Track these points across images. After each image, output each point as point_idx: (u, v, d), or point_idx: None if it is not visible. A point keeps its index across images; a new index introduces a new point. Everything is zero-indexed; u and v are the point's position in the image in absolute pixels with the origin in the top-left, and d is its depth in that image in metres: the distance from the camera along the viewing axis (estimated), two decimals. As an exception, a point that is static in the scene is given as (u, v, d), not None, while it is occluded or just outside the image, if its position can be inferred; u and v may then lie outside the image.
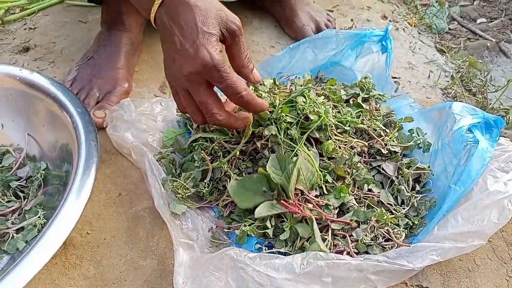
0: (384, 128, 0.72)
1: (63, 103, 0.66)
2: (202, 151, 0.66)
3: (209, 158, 0.67)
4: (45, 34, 1.04)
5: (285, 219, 0.60)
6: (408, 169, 0.67)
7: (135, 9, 0.91)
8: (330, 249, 0.59)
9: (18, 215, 0.64)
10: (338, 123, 0.68)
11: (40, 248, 0.50)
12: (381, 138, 0.70)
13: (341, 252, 0.58)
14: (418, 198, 0.64)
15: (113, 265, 0.61)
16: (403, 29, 1.14)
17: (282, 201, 0.59)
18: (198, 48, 0.54)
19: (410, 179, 0.66)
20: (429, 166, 0.67)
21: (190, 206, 0.65)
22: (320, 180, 0.63)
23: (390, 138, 0.70)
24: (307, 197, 0.62)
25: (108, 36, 0.88)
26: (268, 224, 0.59)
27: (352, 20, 1.12)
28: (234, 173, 0.65)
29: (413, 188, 0.66)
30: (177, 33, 0.56)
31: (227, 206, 0.65)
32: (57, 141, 0.67)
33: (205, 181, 0.67)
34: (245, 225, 0.60)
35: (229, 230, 0.63)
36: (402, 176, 0.66)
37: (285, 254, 0.59)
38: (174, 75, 0.58)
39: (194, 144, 0.71)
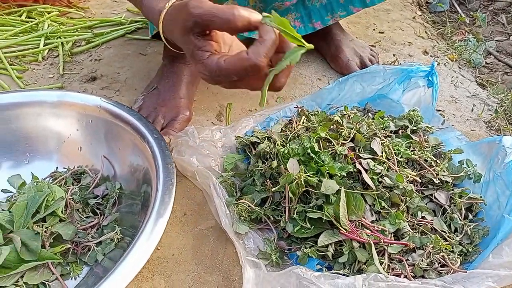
0: (434, 159, 0.75)
1: (140, 129, 0.72)
2: (268, 180, 0.71)
3: (270, 183, 0.72)
4: (109, 65, 1.14)
5: (344, 243, 0.64)
6: (460, 198, 0.70)
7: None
8: (387, 272, 0.62)
9: (97, 230, 0.70)
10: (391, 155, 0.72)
11: (128, 264, 0.54)
12: (432, 168, 0.73)
13: (398, 275, 0.61)
14: (471, 226, 0.67)
15: (182, 280, 0.66)
16: (444, 64, 1.18)
17: (340, 231, 0.63)
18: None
19: (463, 208, 0.69)
20: (481, 196, 0.70)
21: (252, 227, 0.70)
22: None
23: (441, 169, 0.73)
24: (363, 223, 0.66)
25: (171, 69, 0.97)
26: (329, 248, 0.63)
27: (394, 55, 1.17)
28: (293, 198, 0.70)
29: (466, 217, 0.69)
30: None
31: (285, 229, 0.70)
32: (133, 164, 0.74)
33: (266, 205, 0.72)
34: (306, 247, 0.65)
35: (289, 251, 0.67)
36: (454, 205, 0.69)
37: (343, 275, 0.62)
38: None
39: (254, 169, 0.76)
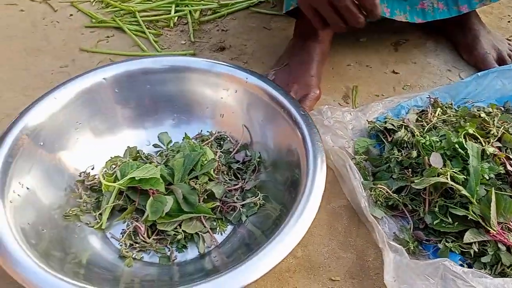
0: None
1: (286, 105, 0.75)
2: (408, 170, 0.72)
3: (410, 173, 0.72)
4: (236, 37, 1.18)
5: (488, 244, 0.64)
6: None
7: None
8: (534, 280, 0.61)
9: (240, 192, 0.75)
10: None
11: (283, 238, 0.58)
12: None
13: (546, 284, 0.60)
14: None
15: (317, 251, 0.70)
16: None
17: (489, 233, 0.63)
18: None
19: None
20: None
21: (386, 213, 0.72)
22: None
23: None
24: (510, 227, 0.64)
25: (302, 46, 0.98)
26: (473, 246, 0.63)
27: (534, 52, 1.09)
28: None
29: None
30: None
31: (422, 220, 0.70)
32: (276, 136, 0.78)
33: (402, 193, 0.73)
34: (447, 241, 0.65)
35: (427, 243, 0.68)
36: None
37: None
38: None
39: (390, 157, 0.77)
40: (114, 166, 0.76)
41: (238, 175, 0.78)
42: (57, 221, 0.69)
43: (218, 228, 0.71)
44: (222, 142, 0.83)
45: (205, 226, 0.70)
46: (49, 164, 0.73)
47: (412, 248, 0.66)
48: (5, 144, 0.68)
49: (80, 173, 0.77)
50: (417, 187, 0.67)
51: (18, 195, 0.66)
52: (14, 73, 1.06)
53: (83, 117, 0.78)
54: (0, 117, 0.95)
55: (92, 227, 0.71)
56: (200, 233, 0.69)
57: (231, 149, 0.81)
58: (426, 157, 0.70)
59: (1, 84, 1.03)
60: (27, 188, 0.68)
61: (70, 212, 0.71)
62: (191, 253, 0.69)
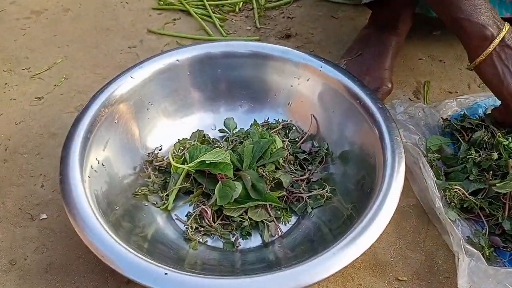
0: None
1: (361, 97, 0.73)
2: (489, 172, 0.68)
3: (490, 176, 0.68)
4: (302, 24, 1.16)
5: None
6: None
7: (410, 16, 0.96)
8: None
9: (306, 183, 0.74)
10: None
11: (355, 239, 0.56)
12: None
13: None
14: None
15: (384, 249, 0.68)
16: None
17: None
18: None
19: None
20: None
21: (460, 215, 0.69)
22: None
23: None
24: None
25: (379, 37, 0.94)
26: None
27: None
28: None
29: None
30: None
31: (499, 225, 0.67)
32: (347, 128, 0.76)
33: (478, 196, 0.69)
34: (528, 250, 0.61)
35: (504, 249, 0.64)
36: None
37: None
38: None
39: (467, 157, 0.73)
40: (182, 148, 0.77)
41: (304, 165, 0.77)
42: (128, 196, 0.72)
43: (282, 218, 0.71)
44: (288, 131, 0.82)
45: (270, 215, 0.70)
46: (122, 143, 0.75)
47: (487, 254, 0.63)
48: (85, 120, 0.70)
49: (149, 153, 0.79)
50: (500, 191, 0.63)
51: (95, 170, 0.69)
52: (85, 51, 1.10)
53: (155, 98, 0.80)
54: (72, 94, 0.99)
55: (159, 207, 0.73)
56: (265, 221, 0.69)
57: (297, 139, 0.80)
58: (510, 160, 0.66)
59: (73, 62, 1.07)
60: (102, 165, 0.70)
61: (139, 191, 0.73)
62: (255, 241, 0.69)
